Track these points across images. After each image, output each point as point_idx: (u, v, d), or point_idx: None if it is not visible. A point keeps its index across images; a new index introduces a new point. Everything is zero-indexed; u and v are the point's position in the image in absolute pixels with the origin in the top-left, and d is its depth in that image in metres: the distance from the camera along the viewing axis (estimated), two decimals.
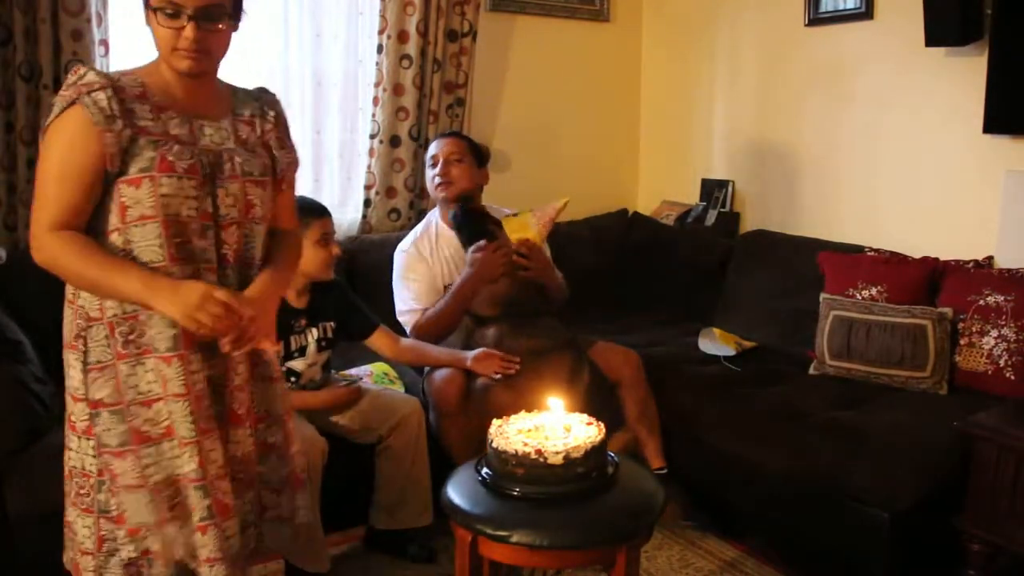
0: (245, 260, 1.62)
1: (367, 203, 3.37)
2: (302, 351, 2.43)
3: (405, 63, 3.28)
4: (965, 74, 2.82)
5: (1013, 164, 2.74)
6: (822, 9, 3.29)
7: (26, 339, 2.36)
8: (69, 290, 1.55)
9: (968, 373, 2.57)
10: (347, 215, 3.40)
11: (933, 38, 2.79)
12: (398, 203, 3.39)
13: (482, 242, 2.64)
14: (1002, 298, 2.54)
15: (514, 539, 1.69)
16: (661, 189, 4.08)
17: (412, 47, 3.27)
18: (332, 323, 2.50)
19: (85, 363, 1.51)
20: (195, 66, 1.52)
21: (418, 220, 3.44)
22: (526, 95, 3.80)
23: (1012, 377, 2.47)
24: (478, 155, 2.88)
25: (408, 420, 2.43)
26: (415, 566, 2.42)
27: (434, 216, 2.89)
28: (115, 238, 1.50)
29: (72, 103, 1.46)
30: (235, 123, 1.62)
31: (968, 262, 2.77)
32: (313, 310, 2.46)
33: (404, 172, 3.37)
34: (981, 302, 2.57)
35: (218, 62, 1.59)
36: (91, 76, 1.48)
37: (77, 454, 1.55)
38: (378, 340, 2.58)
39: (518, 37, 3.75)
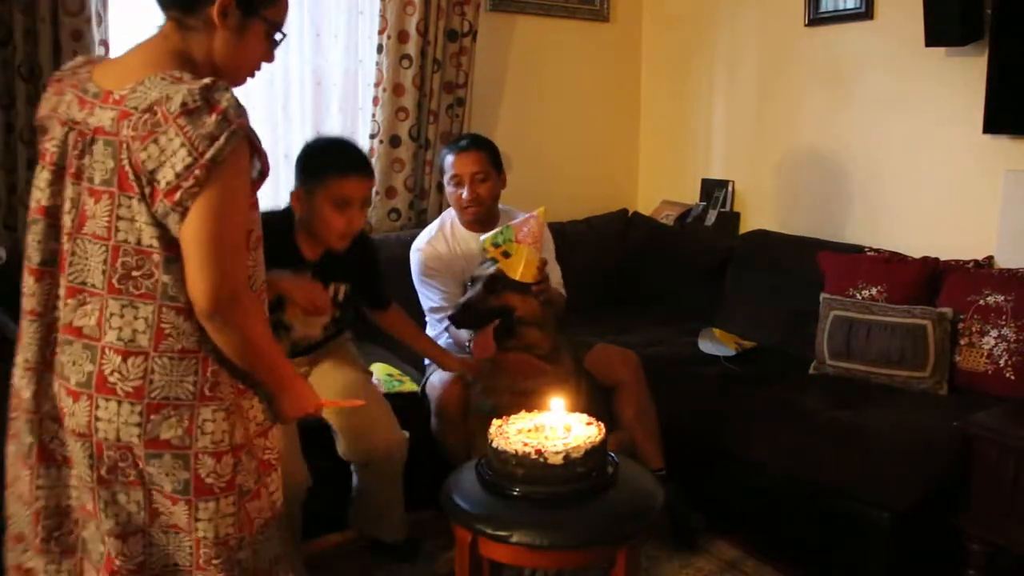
0: None
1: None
2: None
3: (405, 63, 3.28)
4: (965, 74, 2.82)
5: (1013, 164, 2.74)
6: (822, 9, 3.29)
7: None
8: (186, 341, 1.34)
9: (968, 373, 2.56)
10: None
11: (933, 38, 2.79)
12: (398, 203, 3.39)
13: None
14: (1002, 298, 2.54)
15: (514, 539, 1.69)
16: (661, 189, 4.08)
17: (412, 47, 3.27)
18: (346, 285, 2.22)
19: (227, 411, 1.38)
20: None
21: (418, 220, 3.45)
22: (526, 95, 3.80)
23: (1012, 377, 2.47)
24: (498, 162, 2.73)
25: (387, 456, 2.26)
26: (413, 565, 2.42)
27: (449, 215, 2.80)
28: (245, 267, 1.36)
29: (246, 132, 1.29)
30: None
31: (968, 262, 2.77)
32: (325, 266, 2.14)
33: (404, 172, 3.37)
34: (981, 302, 2.57)
35: None
36: (235, 95, 1.29)
37: (211, 523, 1.38)
38: (391, 318, 2.40)
39: (518, 37, 3.74)
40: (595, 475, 1.77)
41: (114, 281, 1.31)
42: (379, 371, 2.73)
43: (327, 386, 2.18)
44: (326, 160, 2.05)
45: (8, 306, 2.41)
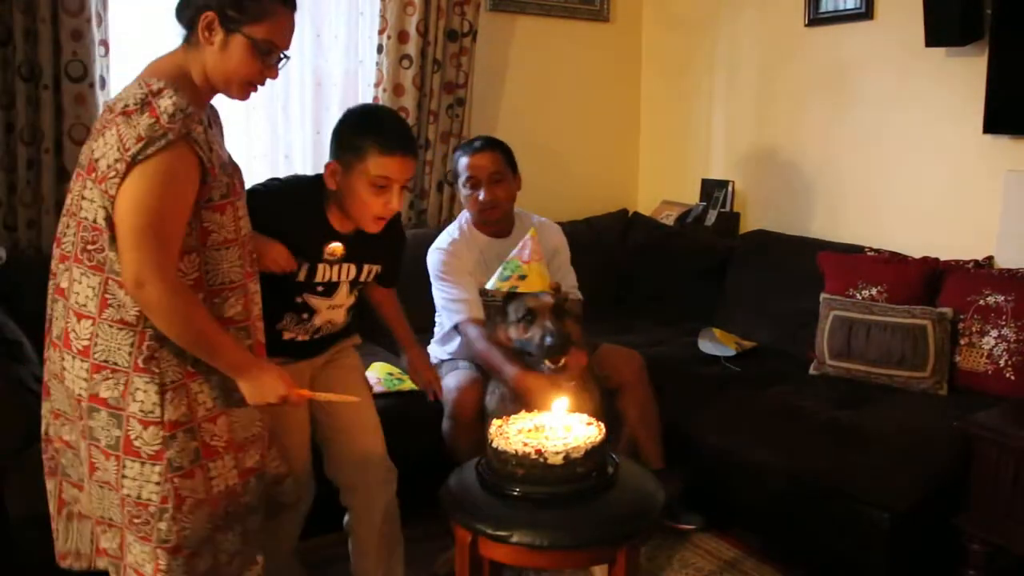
0: None
1: None
2: (329, 290, 1.95)
3: (405, 63, 3.28)
4: (965, 74, 2.82)
5: (1013, 164, 2.74)
6: (822, 9, 3.29)
7: (26, 339, 2.36)
8: (126, 314, 1.49)
9: (968, 373, 2.57)
10: None
11: (933, 38, 2.79)
12: None
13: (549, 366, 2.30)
14: (1002, 298, 2.54)
15: (514, 539, 1.69)
16: (661, 189, 4.08)
17: (412, 47, 3.27)
18: (378, 266, 2.04)
19: (161, 385, 1.51)
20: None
21: (418, 220, 3.46)
22: (526, 95, 3.80)
23: (1012, 377, 2.47)
24: (513, 163, 2.68)
25: (379, 470, 2.06)
26: (413, 565, 2.42)
27: (464, 218, 2.76)
28: (191, 259, 1.53)
29: (181, 137, 1.44)
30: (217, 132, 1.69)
31: (968, 262, 2.77)
32: (359, 243, 1.95)
33: None
34: (981, 302, 2.57)
35: None
36: (184, 105, 1.45)
37: (135, 482, 1.53)
38: (383, 294, 2.25)
39: (518, 37, 3.75)
40: (595, 475, 1.77)
41: (78, 252, 1.51)
42: (379, 370, 2.73)
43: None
44: (368, 134, 1.84)
45: (8, 306, 2.43)
